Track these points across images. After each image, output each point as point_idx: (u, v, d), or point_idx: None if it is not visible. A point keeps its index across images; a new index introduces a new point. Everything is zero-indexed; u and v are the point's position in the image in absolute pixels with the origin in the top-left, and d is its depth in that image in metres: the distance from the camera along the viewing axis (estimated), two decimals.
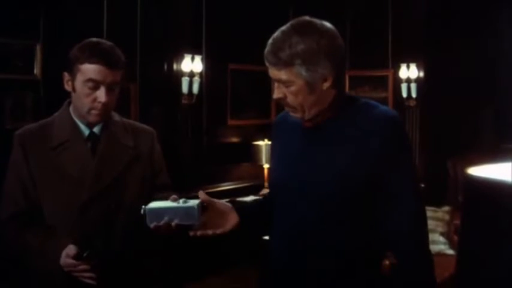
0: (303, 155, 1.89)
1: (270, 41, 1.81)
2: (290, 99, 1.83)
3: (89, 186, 2.16)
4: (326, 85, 1.82)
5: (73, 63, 2.13)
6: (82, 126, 2.22)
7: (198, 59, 5.55)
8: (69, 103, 2.26)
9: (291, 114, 1.89)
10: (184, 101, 5.52)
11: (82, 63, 2.11)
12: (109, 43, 2.20)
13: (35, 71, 4.46)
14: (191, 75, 5.50)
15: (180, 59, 5.49)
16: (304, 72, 1.78)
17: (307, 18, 1.84)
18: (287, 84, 1.80)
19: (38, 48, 4.46)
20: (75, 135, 2.21)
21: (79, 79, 2.12)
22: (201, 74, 5.60)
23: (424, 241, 1.88)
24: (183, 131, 5.58)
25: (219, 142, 6.11)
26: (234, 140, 6.29)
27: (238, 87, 6.20)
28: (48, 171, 2.18)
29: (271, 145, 2.16)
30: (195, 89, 5.53)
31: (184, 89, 5.48)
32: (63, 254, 2.02)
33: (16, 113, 4.34)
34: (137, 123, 2.45)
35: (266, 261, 1.96)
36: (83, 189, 2.16)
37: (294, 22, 1.82)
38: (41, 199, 2.18)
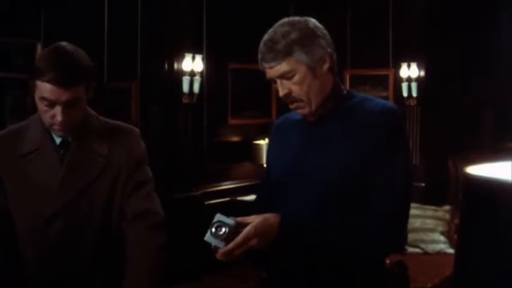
0: (305, 149, 1.90)
1: (261, 44, 1.85)
2: (296, 91, 1.83)
3: (54, 198, 2.02)
4: (325, 67, 1.85)
5: (32, 75, 1.94)
6: (54, 134, 2.06)
7: (198, 58, 5.56)
8: None
9: (298, 111, 1.89)
10: (185, 100, 5.52)
11: (37, 78, 1.91)
12: (70, 52, 1.97)
13: None
14: (192, 74, 5.51)
15: (180, 58, 5.49)
16: (304, 57, 1.81)
17: (286, 18, 1.89)
18: (290, 75, 1.82)
19: (39, 47, 4.46)
20: (46, 143, 2.06)
21: (36, 94, 1.94)
22: (201, 73, 5.60)
23: (405, 222, 1.86)
24: (183, 130, 5.58)
25: (219, 141, 6.11)
26: (235, 139, 6.29)
27: (238, 86, 6.21)
28: (16, 180, 2.04)
29: (270, 145, 2.15)
30: (196, 88, 5.54)
31: (185, 88, 5.48)
32: None
33: (16, 112, 4.34)
34: (118, 125, 2.20)
35: (268, 256, 1.95)
36: (49, 202, 2.02)
37: (276, 24, 1.87)
38: (10, 208, 2.06)
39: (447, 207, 5.34)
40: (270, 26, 1.89)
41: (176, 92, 5.50)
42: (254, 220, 1.73)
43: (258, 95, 6.36)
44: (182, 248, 4.84)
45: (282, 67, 1.81)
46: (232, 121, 6.20)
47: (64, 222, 2.03)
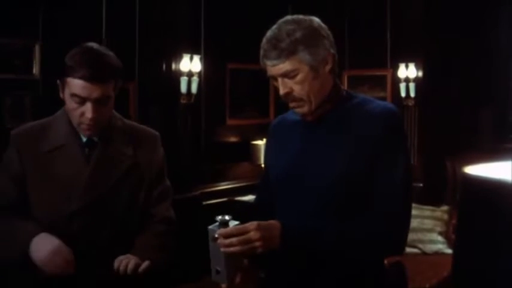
0: (303, 149, 1.90)
1: (264, 41, 1.84)
2: (297, 90, 1.83)
3: (79, 195, 2.05)
4: (327, 68, 1.85)
5: (63, 73, 2.00)
6: (81, 133, 2.11)
7: (196, 58, 5.55)
8: None
9: (297, 110, 1.89)
10: (182, 101, 5.52)
11: (68, 75, 1.97)
12: (101, 51, 2.03)
13: (33, 71, 4.46)
14: (190, 74, 5.50)
15: (178, 58, 5.49)
16: (307, 57, 1.80)
17: (290, 16, 1.88)
18: (292, 74, 1.81)
19: (37, 47, 4.46)
20: (72, 141, 2.10)
21: (66, 92, 2.00)
22: (199, 73, 5.60)
23: (406, 223, 1.85)
24: (181, 130, 5.58)
25: (217, 142, 6.11)
26: (233, 139, 6.29)
27: (237, 86, 6.21)
28: (40, 175, 2.08)
29: (268, 146, 2.15)
30: (194, 88, 5.53)
31: (183, 88, 5.48)
32: (59, 248, 1.91)
33: (15, 112, 4.34)
34: (141, 128, 2.30)
35: (267, 256, 1.95)
36: (73, 198, 2.05)
37: (280, 20, 1.86)
38: (30, 203, 2.08)
39: (445, 208, 5.35)
40: (269, 26, 1.89)
41: (174, 93, 5.49)
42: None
43: (256, 95, 6.35)
44: (180, 247, 4.84)
45: (285, 66, 1.80)
46: (230, 121, 6.20)
47: (86, 219, 2.06)
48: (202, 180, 5.80)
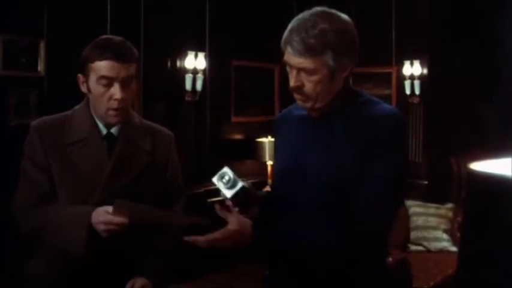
0: (304, 145, 1.90)
1: (293, 27, 1.78)
2: (308, 88, 1.81)
3: (101, 188, 2.10)
4: (344, 75, 1.84)
5: (85, 63, 2.09)
6: (100, 125, 2.17)
7: (201, 56, 5.56)
8: (89, 99, 2.19)
9: (301, 104, 1.88)
10: (187, 98, 5.53)
11: (93, 61, 2.06)
12: (119, 38, 2.17)
13: (38, 68, 4.47)
14: (194, 72, 5.51)
15: (183, 56, 5.50)
16: (331, 62, 1.77)
17: (325, 8, 1.83)
18: (310, 72, 1.79)
19: (42, 45, 4.47)
20: (93, 134, 2.15)
21: (92, 78, 2.08)
22: (204, 71, 5.60)
23: (385, 219, 1.83)
24: (186, 128, 5.58)
25: (222, 139, 6.11)
26: (238, 136, 6.29)
27: (241, 84, 6.21)
28: (62, 167, 2.12)
29: (275, 141, 2.17)
30: (199, 86, 5.54)
31: (188, 86, 5.49)
32: (101, 210, 1.97)
33: (20, 109, 4.35)
34: (156, 126, 2.36)
35: (269, 252, 1.96)
36: (95, 191, 2.10)
37: (315, 11, 1.81)
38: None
39: (450, 205, 5.34)
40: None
41: (179, 90, 5.50)
42: (232, 225, 1.88)
43: (261, 92, 6.35)
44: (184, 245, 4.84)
45: (307, 62, 1.77)
46: (235, 119, 6.20)
47: None
48: (207, 177, 5.79)
